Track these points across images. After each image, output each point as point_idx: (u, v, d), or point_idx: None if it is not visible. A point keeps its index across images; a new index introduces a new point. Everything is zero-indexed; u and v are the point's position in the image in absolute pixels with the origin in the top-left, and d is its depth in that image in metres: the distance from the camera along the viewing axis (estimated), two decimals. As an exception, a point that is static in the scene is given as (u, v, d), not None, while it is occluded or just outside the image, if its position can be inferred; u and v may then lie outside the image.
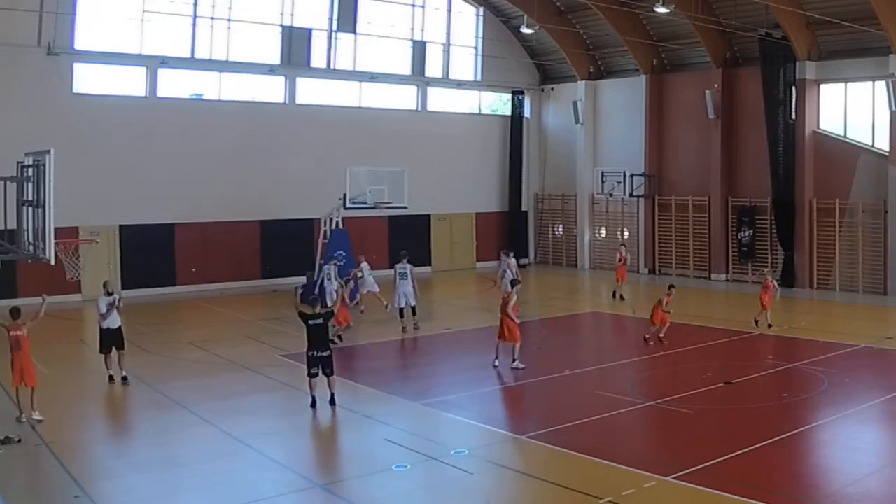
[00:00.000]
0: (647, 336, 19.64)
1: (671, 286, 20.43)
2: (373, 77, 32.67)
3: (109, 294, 16.52)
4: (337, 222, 26.17)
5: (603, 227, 35.12)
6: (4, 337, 13.89)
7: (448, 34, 34.65)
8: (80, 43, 26.56)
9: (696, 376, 16.48)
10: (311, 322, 14.54)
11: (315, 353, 14.46)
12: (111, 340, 16.41)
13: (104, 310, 16.34)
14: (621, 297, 26.46)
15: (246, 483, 11.31)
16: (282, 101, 31.01)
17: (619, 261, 26.95)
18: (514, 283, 18.12)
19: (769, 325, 21.90)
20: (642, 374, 17.51)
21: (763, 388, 15.89)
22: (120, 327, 16.51)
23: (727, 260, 30.82)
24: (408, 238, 32.29)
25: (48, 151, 10.71)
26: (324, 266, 22.90)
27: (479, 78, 35.72)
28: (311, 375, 14.44)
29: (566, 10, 33.36)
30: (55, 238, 10.91)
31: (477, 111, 36.62)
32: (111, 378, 16.39)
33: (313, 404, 14.38)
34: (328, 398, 14.49)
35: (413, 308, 21.31)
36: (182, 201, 28.21)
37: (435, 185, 33.00)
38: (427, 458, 11.95)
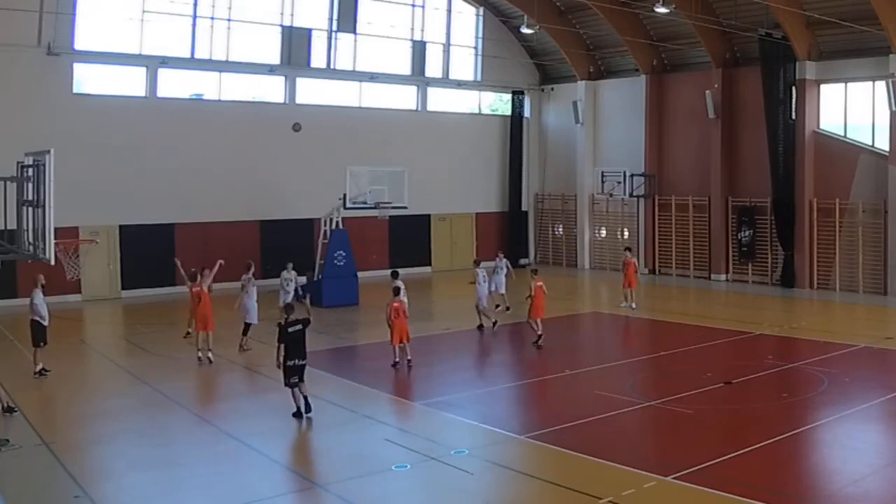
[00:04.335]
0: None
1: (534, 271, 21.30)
2: (373, 77, 32.68)
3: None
4: (337, 222, 26.16)
5: (603, 227, 35.11)
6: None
7: (448, 34, 34.65)
8: (80, 43, 26.56)
9: (696, 376, 16.47)
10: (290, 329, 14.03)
11: (296, 362, 13.90)
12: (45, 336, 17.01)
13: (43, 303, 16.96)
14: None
15: (246, 483, 11.31)
16: (282, 101, 31.02)
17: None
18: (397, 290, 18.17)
19: (632, 306, 23.70)
20: (642, 374, 17.51)
21: (763, 388, 15.87)
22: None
23: (727, 260, 30.82)
24: (408, 238, 32.40)
25: (48, 151, 10.71)
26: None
27: (479, 78, 35.72)
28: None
29: (566, 10, 33.37)
30: (55, 238, 10.91)
31: (477, 111, 36.62)
32: (44, 371, 16.89)
33: (298, 414, 13.94)
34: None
35: None
36: (182, 201, 28.21)
37: (435, 186, 33.00)
38: (427, 458, 11.94)
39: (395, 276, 20.16)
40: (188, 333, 20.24)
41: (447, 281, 31.07)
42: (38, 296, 16.91)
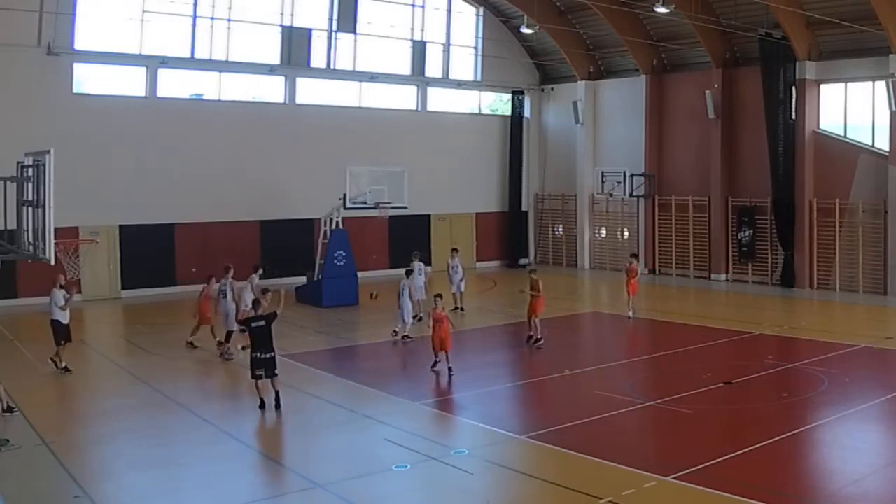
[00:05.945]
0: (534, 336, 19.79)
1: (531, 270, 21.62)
2: (373, 77, 32.67)
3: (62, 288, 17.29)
4: (337, 222, 26.16)
5: (603, 227, 35.11)
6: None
7: (448, 34, 34.64)
8: (80, 43, 26.55)
9: (696, 376, 16.47)
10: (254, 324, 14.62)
11: (259, 354, 14.41)
12: (66, 334, 17.14)
13: (62, 303, 16.98)
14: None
15: (246, 483, 11.33)
16: (282, 101, 31.01)
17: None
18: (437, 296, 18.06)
19: (631, 316, 22.98)
20: (642, 374, 17.51)
21: (763, 388, 15.88)
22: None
23: (727, 260, 30.81)
24: (408, 238, 32.35)
25: (48, 151, 10.69)
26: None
27: (479, 78, 35.71)
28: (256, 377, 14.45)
29: (566, 10, 33.36)
30: (55, 238, 10.90)
31: (477, 111, 36.61)
32: (66, 369, 17.00)
33: (262, 406, 14.47)
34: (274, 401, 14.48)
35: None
36: (182, 201, 28.20)
37: (435, 185, 32.99)
38: (427, 458, 11.95)
39: (409, 273, 21.21)
40: (192, 343, 19.62)
41: (447, 281, 31.02)
42: (58, 295, 16.97)
